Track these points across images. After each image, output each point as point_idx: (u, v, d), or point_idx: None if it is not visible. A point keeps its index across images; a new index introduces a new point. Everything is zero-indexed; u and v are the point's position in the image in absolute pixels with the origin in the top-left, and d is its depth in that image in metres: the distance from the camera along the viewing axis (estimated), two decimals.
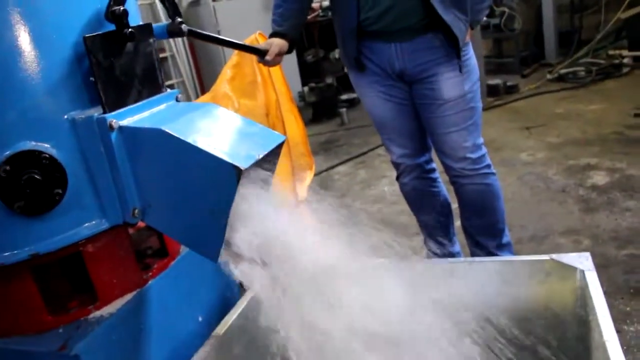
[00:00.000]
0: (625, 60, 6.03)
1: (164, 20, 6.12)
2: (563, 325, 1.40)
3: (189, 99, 6.24)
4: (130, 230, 1.52)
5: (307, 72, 6.95)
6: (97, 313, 1.24)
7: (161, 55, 6.28)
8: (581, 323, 1.34)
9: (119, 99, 1.12)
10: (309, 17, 6.54)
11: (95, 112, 1.10)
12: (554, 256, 1.40)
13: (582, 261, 1.36)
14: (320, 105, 6.33)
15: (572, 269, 1.36)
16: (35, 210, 1.08)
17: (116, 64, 1.11)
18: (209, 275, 1.49)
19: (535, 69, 6.72)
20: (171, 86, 6.42)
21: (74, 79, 1.10)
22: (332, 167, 4.51)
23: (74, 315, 1.23)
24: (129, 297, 1.28)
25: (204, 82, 6.39)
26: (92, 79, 1.07)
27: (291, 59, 6.50)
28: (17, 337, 1.20)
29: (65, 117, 1.09)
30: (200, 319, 1.49)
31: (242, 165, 0.98)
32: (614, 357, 1.01)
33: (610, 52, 6.31)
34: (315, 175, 4.24)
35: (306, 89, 6.43)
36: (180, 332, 1.40)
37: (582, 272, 1.32)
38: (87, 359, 1.13)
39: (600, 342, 1.08)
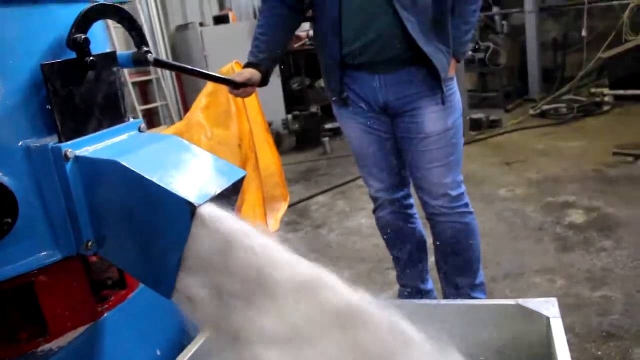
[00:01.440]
0: (607, 99, 6.13)
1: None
2: None
3: (172, 123, 6.22)
4: (93, 258, 1.50)
5: (292, 100, 6.97)
6: (47, 346, 1.20)
7: (146, 78, 6.29)
8: None
9: (77, 128, 1.09)
10: (295, 45, 6.65)
11: (52, 140, 1.08)
12: (520, 301, 1.38)
13: (549, 307, 1.34)
14: (304, 134, 6.34)
15: (538, 315, 1.34)
16: None
17: (75, 92, 1.09)
18: (167, 308, 1.44)
19: (519, 104, 6.80)
20: (155, 109, 6.41)
21: (31, 106, 1.07)
22: (312, 197, 4.49)
23: (23, 349, 1.19)
24: (81, 330, 1.25)
25: (188, 105, 6.37)
26: (48, 107, 1.05)
27: (276, 87, 6.53)
28: None
29: (20, 144, 1.07)
30: (158, 353, 1.45)
31: (197, 202, 0.96)
32: None
33: (592, 90, 6.41)
34: (294, 204, 4.22)
35: (290, 117, 6.44)
36: None
37: (548, 318, 1.30)
38: None
39: None
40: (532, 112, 6.22)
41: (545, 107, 6.17)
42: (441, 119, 2.00)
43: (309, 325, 1.01)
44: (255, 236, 1.02)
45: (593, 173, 4.13)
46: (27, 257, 1.12)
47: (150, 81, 6.39)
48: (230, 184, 1.05)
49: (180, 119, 6.26)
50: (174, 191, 0.96)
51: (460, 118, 2.08)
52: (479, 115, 5.94)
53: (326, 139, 5.98)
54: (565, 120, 5.80)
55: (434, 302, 1.86)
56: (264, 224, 1.92)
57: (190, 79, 6.37)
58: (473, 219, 2.14)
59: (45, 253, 1.13)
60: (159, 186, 0.97)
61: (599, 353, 2.08)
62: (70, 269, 1.20)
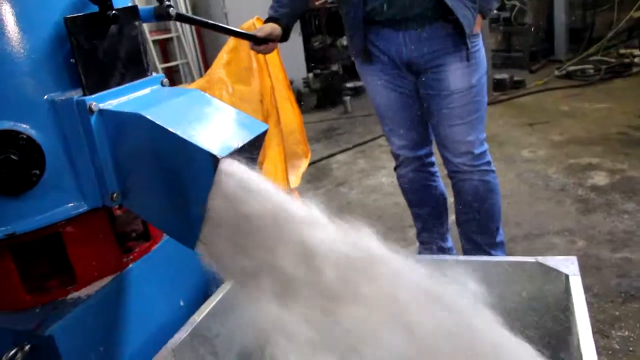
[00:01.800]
0: (637, 60, 5.96)
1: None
2: (544, 328, 1.39)
3: (193, 81, 6.21)
4: (118, 212, 1.53)
5: (313, 59, 6.91)
6: (75, 294, 1.23)
7: (167, 36, 6.27)
8: (562, 327, 1.33)
9: (100, 82, 1.10)
10: (317, 2, 6.54)
11: (76, 94, 1.09)
12: (540, 259, 1.38)
13: (568, 265, 1.34)
14: (325, 92, 6.30)
15: (557, 273, 1.34)
16: (11, 190, 1.07)
17: (99, 46, 1.09)
18: (191, 260, 1.47)
19: (544, 65, 6.65)
20: (175, 67, 6.41)
21: (55, 60, 1.08)
22: (332, 155, 4.49)
23: (52, 296, 1.23)
24: (108, 279, 1.28)
25: (208, 64, 6.36)
26: (72, 60, 1.06)
27: (298, 45, 6.46)
28: None
29: (45, 97, 1.08)
30: (181, 303, 1.49)
31: (220, 153, 0.96)
32: None
33: (622, 51, 6.23)
34: (314, 163, 4.24)
35: (311, 75, 6.39)
36: (160, 317, 1.40)
37: (567, 276, 1.30)
38: (62, 340, 1.13)
39: (577, 348, 1.06)
40: (557, 73, 6.09)
41: (571, 68, 6.03)
42: (465, 75, 1.97)
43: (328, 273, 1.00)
44: (272, 188, 1.02)
45: (617, 135, 4.06)
46: (55, 208, 1.15)
47: (170, 39, 6.37)
48: (253, 137, 1.05)
49: (201, 77, 6.26)
50: (197, 143, 0.97)
51: (485, 75, 2.06)
52: (502, 75, 5.83)
53: (347, 98, 5.94)
54: (591, 82, 5.67)
55: (453, 257, 1.88)
56: (285, 179, 1.93)
57: (210, 37, 6.34)
58: (494, 177, 2.14)
59: (72, 204, 1.16)
60: (182, 138, 0.98)
61: (617, 313, 2.09)
62: (96, 220, 1.23)
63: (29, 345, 1.10)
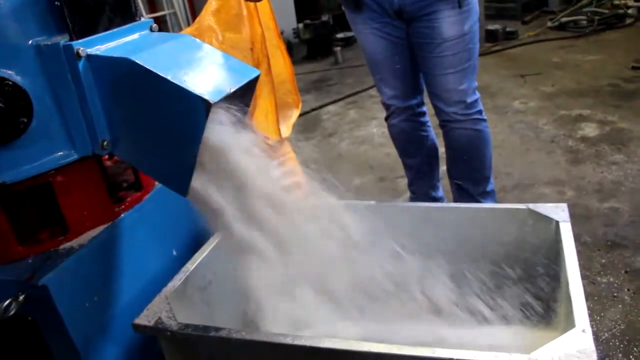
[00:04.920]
0: (630, 11, 5.88)
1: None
2: (533, 275, 1.41)
3: (180, 31, 6.08)
4: (108, 162, 1.51)
5: (303, 9, 6.78)
6: (68, 245, 1.23)
7: None
8: (552, 273, 1.35)
9: (87, 26, 1.07)
10: None
11: (63, 39, 1.06)
12: (531, 206, 1.40)
13: (558, 212, 1.36)
14: (315, 43, 6.21)
15: (547, 219, 1.35)
16: None
17: None
18: (183, 210, 1.47)
19: (537, 16, 6.56)
20: (162, 18, 6.26)
21: (39, 3, 1.05)
22: (323, 106, 4.46)
23: (44, 246, 1.23)
24: (100, 229, 1.28)
25: (196, 14, 6.22)
26: (57, 3, 1.02)
27: None
28: None
29: (30, 42, 1.05)
30: (174, 252, 1.49)
31: (212, 98, 0.95)
32: (577, 306, 1.02)
33: (615, 2, 6.14)
34: (305, 114, 4.21)
35: (301, 25, 6.28)
36: (153, 266, 1.41)
37: (557, 222, 1.32)
38: (56, 290, 1.13)
39: (567, 293, 1.08)
40: (550, 24, 6.01)
41: (564, 19, 5.95)
42: (458, 23, 1.94)
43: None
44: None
45: (609, 87, 4.04)
46: (44, 157, 1.13)
47: None
48: (245, 82, 1.03)
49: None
50: (188, 88, 0.95)
51: (477, 23, 2.02)
52: (495, 26, 5.75)
53: (338, 49, 5.86)
54: (584, 33, 5.61)
55: (445, 205, 1.88)
56: (276, 129, 1.91)
57: None
58: (486, 126, 2.13)
59: (61, 153, 1.15)
60: (173, 83, 0.96)
61: (603, 261, 2.13)
62: (86, 169, 1.21)
63: (23, 295, 1.10)
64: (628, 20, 5.77)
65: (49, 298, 1.12)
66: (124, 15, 1.16)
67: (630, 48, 4.86)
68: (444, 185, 2.46)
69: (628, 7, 5.92)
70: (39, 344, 1.18)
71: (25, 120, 1.06)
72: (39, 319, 1.15)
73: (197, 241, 1.50)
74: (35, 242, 1.23)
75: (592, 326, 0.97)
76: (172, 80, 0.96)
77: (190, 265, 1.34)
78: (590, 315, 1.00)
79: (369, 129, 3.86)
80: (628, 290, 1.96)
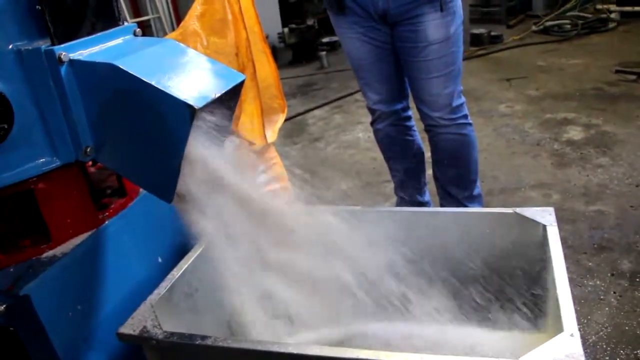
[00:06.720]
0: (613, 16, 5.96)
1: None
2: (521, 279, 1.41)
3: (165, 35, 6.06)
4: (91, 169, 1.49)
5: (288, 13, 6.77)
6: (50, 253, 1.21)
7: None
8: (540, 277, 1.35)
9: (69, 31, 1.05)
10: None
11: (44, 43, 1.04)
12: (518, 210, 1.40)
13: (545, 216, 1.36)
14: (300, 47, 6.20)
15: (534, 223, 1.36)
16: None
17: None
18: (168, 216, 1.46)
19: (521, 20, 6.63)
20: (147, 22, 6.23)
21: (19, 6, 1.03)
22: (308, 111, 4.45)
23: (26, 255, 1.20)
24: (83, 237, 1.25)
25: (181, 18, 6.19)
26: (38, 7, 1.00)
27: None
28: None
29: (10, 47, 1.03)
30: (159, 260, 1.47)
31: (196, 104, 0.94)
32: (565, 310, 1.02)
33: (598, 7, 6.22)
34: (291, 118, 4.20)
35: (286, 30, 6.27)
36: (138, 274, 1.38)
37: (544, 226, 1.32)
38: (38, 299, 1.10)
39: (554, 297, 1.08)
40: (534, 28, 6.07)
41: (549, 24, 6.01)
42: (442, 26, 1.94)
43: None
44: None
45: (593, 91, 4.08)
46: (25, 163, 1.11)
47: None
48: (230, 87, 1.02)
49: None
50: (172, 93, 0.93)
51: (461, 26, 2.03)
52: (480, 30, 5.79)
53: (323, 53, 5.86)
54: (568, 37, 5.67)
55: (431, 209, 1.88)
56: (262, 134, 1.90)
57: None
58: (472, 130, 2.13)
59: (43, 159, 1.13)
60: (157, 89, 0.94)
61: (590, 264, 2.14)
62: (69, 175, 1.19)
63: (4, 305, 1.08)
64: (611, 25, 5.84)
65: (30, 308, 1.09)
66: (107, 19, 1.14)
67: (613, 52, 4.91)
68: (430, 189, 2.46)
69: (610, 12, 6.00)
70: (20, 355, 1.16)
71: (6, 127, 1.04)
72: (20, 329, 1.13)
73: (182, 248, 1.48)
74: (16, 250, 1.21)
75: (579, 330, 0.97)
76: (156, 85, 0.95)
77: (176, 273, 1.33)
78: (577, 319, 0.99)
79: (355, 133, 3.87)
80: (614, 293, 1.97)
